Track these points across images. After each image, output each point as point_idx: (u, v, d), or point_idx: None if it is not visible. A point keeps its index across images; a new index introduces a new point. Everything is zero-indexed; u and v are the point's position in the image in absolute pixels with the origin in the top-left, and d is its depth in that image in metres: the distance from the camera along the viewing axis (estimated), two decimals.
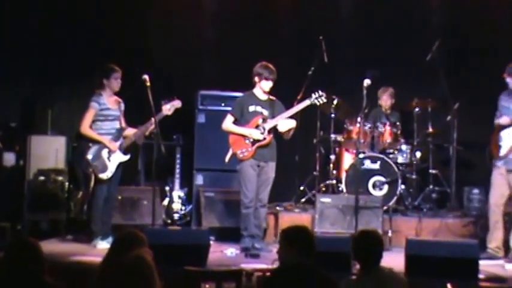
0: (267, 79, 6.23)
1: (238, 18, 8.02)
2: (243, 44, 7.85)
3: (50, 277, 3.38)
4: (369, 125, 7.44)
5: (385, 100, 7.72)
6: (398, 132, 7.45)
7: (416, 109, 7.51)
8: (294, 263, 3.55)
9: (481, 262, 5.19)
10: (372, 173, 7.20)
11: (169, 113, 6.34)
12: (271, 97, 6.37)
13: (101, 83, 6.29)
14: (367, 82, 6.21)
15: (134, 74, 6.15)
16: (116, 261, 3.19)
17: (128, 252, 3.16)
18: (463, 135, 7.45)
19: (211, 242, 5.77)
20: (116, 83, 6.31)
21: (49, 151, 7.41)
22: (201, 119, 7.48)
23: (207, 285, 4.77)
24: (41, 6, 7.86)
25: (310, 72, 7.29)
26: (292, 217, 6.95)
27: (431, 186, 7.47)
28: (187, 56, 7.88)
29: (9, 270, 3.34)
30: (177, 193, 7.40)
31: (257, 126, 6.24)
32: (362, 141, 7.24)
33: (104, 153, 6.25)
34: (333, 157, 7.56)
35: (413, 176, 7.50)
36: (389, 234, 6.53)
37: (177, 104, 6.38)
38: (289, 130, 6.25)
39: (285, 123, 6.22)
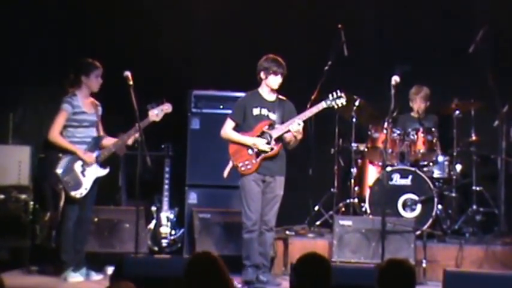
0: (275, 73, 6.26)
1: (240, 1, 8.04)
2: (244, 33, 7.88)
3: None
4: (398, 132, 7.45)
5: (418, 103, 7.70)
6: (434, 140, 7.46)
7: (457, 112, 7.51)
8: None
9: None
10: (402, 190, 7.21)
11: (158, 119, 6.38)
12: (280, 97, 6.40)
13: (78, 80, 6.32)
14: (395, 80, 6.23)
15: (114, 71, 6.18)
16: None
17: None
18: None
19: None
20: (96, 82, 6.36)
21: (10, 164, 7.42)
22: (195, 124, 7.51)
23: None
24: None
25: (326, 68, 7.32)
26: (305, 243, 6.97)
27: (474, 207, 7.45)
28: (177, 47, 7.90)
29: None
30: (166, 214, 7.41)
31: (262, 134, 6.28)
32: (390, 151, 7.26)
33: (77, 166, 6.28)
34: (354, 171, 7.58)
35: (453, 194, 7.50)
36: (424, 264, 6.53)
37: (167, 108, 6.43)
38: (295, 136, 6.24)
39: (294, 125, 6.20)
